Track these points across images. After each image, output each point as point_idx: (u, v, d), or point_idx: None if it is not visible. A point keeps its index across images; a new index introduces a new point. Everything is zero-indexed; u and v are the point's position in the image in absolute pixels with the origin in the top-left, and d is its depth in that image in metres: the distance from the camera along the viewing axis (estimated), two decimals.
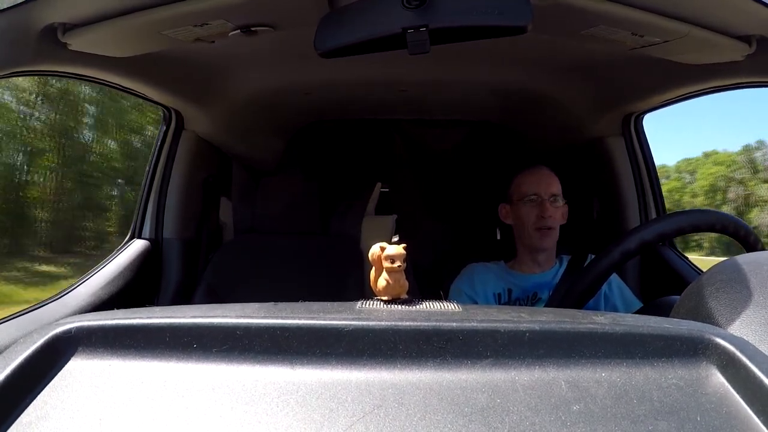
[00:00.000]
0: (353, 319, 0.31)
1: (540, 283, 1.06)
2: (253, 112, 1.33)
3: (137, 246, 1.15)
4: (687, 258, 1.17)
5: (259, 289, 1.21)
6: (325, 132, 1.67)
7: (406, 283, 0.39)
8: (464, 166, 1.64)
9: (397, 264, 0.38)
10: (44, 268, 7.71)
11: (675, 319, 0.36)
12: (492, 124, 1.59)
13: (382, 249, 0.39)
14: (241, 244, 1.33)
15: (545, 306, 0.85)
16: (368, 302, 0.38)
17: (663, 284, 1.16)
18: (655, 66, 0.94)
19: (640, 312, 0.73)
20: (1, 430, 0.26)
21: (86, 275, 1.03)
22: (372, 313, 0.34)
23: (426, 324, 0.30)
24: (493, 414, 0.26)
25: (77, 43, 0.74)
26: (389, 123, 1.63)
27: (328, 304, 0.37)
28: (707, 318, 0.38)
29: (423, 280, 1.31)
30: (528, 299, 1.05)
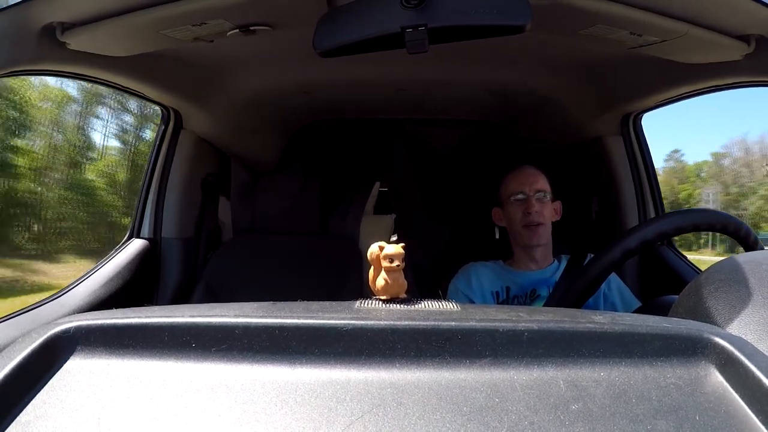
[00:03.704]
0: (352, 319, 0.31)
1: (538, 280, 1.06)
2: (252, 111, 1.33)
3: (136, 245, 1.15)
4: (686, 257, 1.17)
5: (258, 288, 1.21)
6: (324, 131, 1.67)
7: (405, 283, 0.39)
8: (463, 166, 1.64)
9: (395, 263, 0.38)
10: None
11: (674, 319, 0.36)
12: (491, 124, 1.59)
13: (381, 248, 0.38)
14: (240, 243, 1.33)
15: (545, 304, 0.85)
16: (367, 302, 0.38)
17: (662, 284, 1.16)
18: (653, 65, 0.94)
19: (638, 311, 0.73)
20: (0, 430, 0.26)
21: (85, 275, 1.03)
22: (371, 313, 0.34)
23: (424, 323, 0.30)
24: (492, 413, 0.26)
25: (76, 42, 0.74)
26: (388, 123, 1.62)
27: (327, 303, 0.37)
28: (706, 317, 0.38)
29: (422, 279, 1.31)
30: (526, 296, 1.05)
